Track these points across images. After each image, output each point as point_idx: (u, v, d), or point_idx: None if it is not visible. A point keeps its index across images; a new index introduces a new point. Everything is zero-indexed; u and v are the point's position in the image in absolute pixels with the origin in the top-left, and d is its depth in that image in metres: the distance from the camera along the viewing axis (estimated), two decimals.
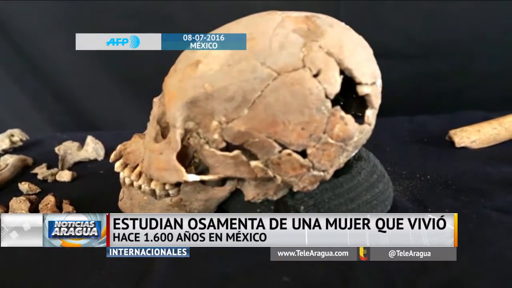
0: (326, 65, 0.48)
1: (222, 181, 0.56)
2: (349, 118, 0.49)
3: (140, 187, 0.59)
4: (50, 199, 0.65)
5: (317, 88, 0.47)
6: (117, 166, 0.60)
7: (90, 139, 0.88)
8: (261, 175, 0.51)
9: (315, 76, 0.48)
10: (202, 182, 0.54)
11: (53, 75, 1.15)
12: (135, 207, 0.60)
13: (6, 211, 0.64)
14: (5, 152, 0.92)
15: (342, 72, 0.49)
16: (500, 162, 0.77)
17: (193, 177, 0.53)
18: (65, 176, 0.77)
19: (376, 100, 0.51)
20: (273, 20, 0.52)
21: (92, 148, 0.87)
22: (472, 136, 0.85)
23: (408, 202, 0.62)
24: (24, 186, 0.72)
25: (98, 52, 1.13)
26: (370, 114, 0.51)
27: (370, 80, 0.50)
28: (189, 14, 1.07)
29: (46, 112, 1.19)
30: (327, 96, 0.48)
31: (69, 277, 0.50)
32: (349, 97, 0.55)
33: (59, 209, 0.64)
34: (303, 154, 0.50)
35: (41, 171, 0.80)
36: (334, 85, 0.48)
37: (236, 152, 0.51)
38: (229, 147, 0.52)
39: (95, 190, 0.73)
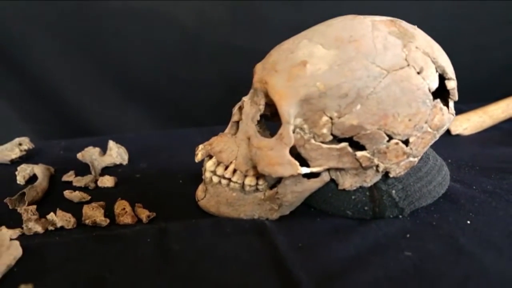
0: (425, 63, 0.55)
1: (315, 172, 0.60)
2: (445, 109, 0.57)
3: (228, 184, 0.61)
4: (124, 204, 0.64)
5: (422, 84, 0.54)
6: (210, 165, 0.61)
7: (112, 144, 0.86)
8: (366, 164, 0.56)
9: (419, 73, 0.54)
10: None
11: (37, 80, 1.08)
12: (222, 205, 0.62)
13: (77, 220, 0.62)
14: (12, 161, 0.86)
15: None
16: (496, 145, 0.90)
17: (305, 170, 0.56)
18: (107, 181, 0.75)
19: (456, 93, 0.59)
20: (366, 23, 0.57)
21: (116, 153, 0.85)
22: (464, 124, 0.97)
23: (453, 183, 0.70)
24: (73, 195, 0.69)
25: (84, 55, 1.09)
26: (452, 106, 0.59)
27: (454, 76, 0.58)
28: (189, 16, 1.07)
29: (31, 120, 1.11)
30: (429, 91, 0.54)
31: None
32: None
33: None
34: (405, 142, 0.56)
35: (76, 179, 0.77)
36: (435, 81, 0.55)
37: (343, 144, 0.56)
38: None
39: (149, 193, 0.72)
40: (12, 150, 0.85)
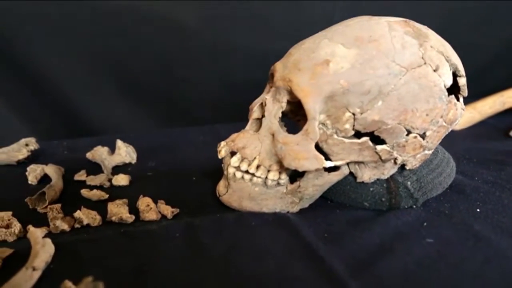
0: (440, 61, 0.58)
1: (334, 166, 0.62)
2: (458, 104, 0.60)
3: (251, 179, 0.63)
4: (147, 200, 0.65)
5: (438, 81, 0.58)
6: (234, 161, 0.63)
7: (120, 143, 0.87)
8: (386, 157, 0.59)
9: (435, 71, 0.58)
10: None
11: (37, 80, 1.07)
12: (245, 199, 0.64)
13: (102, 218, 0.63)
14: (18, 162, 0.85)
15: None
16: (486, 139, 0.95)
17: (329, 163, 0.59)
18: (122, 180, 0.76)
19: (466, 89, 0.63)
20: (382, 24, 0.60)
21: (125, 152, 0.86)
22: None
23: (456, 175, 0.74)
24: (91, 193, 0.70)
25: (84, 55, 1.09)
26: (462, 101, 0.63)
27: (464, 73, 0.62)
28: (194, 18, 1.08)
29: (31, 120, 1.10)
30: (445, 87, 0.58)
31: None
32: None
33: None
34: (422, 136, 0.59)
35: (90, 178, 0.77)
36: (449, 78, 0.59)
37: (364, 138, 0.59)
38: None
39: (165, 190, 0.73)
40: (19, 150, 0.84)
